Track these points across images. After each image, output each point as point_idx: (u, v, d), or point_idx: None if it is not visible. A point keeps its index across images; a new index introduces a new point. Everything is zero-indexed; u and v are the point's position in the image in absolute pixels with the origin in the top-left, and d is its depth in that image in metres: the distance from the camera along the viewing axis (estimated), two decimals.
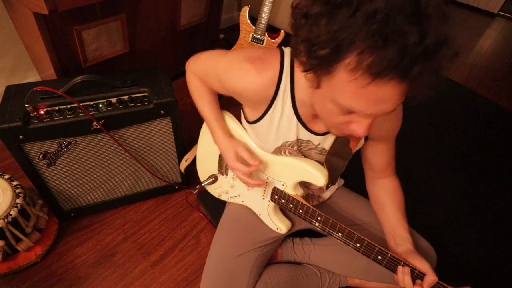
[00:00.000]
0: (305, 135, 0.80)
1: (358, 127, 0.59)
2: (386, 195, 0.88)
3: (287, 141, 0.82)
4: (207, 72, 0.85)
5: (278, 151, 0.85)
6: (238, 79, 0.74)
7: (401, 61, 0.45)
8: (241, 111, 0.89)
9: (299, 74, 0.71)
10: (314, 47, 0.51)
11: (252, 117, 0.83)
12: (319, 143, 0.82)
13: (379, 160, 0.88)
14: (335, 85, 0.53)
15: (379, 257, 0.76)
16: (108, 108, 1.05)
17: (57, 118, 1.00)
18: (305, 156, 0.86)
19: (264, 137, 0.84)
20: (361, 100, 0.52)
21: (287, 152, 0.85)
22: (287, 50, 0.73)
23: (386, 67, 0.46)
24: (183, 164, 1.28)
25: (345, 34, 0.47)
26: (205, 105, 0.92)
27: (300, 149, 0.84)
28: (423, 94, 0.51)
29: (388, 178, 0.90)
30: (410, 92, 0.52)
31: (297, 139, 0.81)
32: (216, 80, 0.82)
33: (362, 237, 0.77)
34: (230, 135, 0.91)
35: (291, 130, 0.79)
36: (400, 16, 0.44)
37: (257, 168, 0.85)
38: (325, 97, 0.58)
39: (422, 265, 0.72)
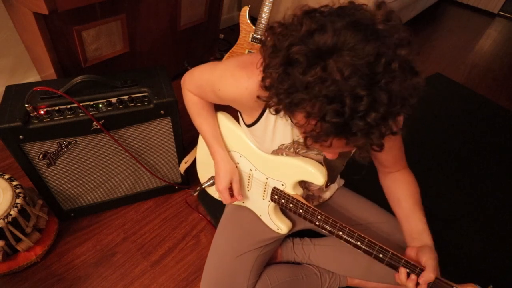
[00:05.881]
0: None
1: (326, 153, 0.64)
2: (399, 188, 0.87)
3: (284, 144, 0.82)
4: (202, 84, 0.85)
5: (275, 153, 0.85)
6: (232, 86, 0.74)
7: (342, 131, 0.49)
8: (239, 114, 0.90)
9: None
10: (272, 99, 0.56)
11: (248, 121, 0.83)
12: None
13: (386, 157, 0.87)
14: (296, 122, 0.58)
15: (380, 255, 0.76)
16: (108, 108, 1.05)
17: (57, 118, 1.00)
18: (303, 157, 0.86)
19: (261, 140, 0.84)
20: (315, 144, 0.56)
21: (284, 154, 0.85)
22: None
23: (328, 135, 0.51)
24: (183, 166, 1.28)
25: (295, 94, 0.50)
26: (202, 122, 0.93)
27: (297, 151, 0.84)
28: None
29: (401, 172, 0.89)
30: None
31: (293, 141, 0.81)
32: (211, 91, 0.82)
33: (362, 235, 0.76)
34: (230, 157, 0.94)
35: (287, 132, 0.79)
36: (353, 81, 0.46)
37: (236, 200, 0.95)
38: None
39: (427, 260, 0.70)
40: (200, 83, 0.86)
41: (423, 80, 0.50)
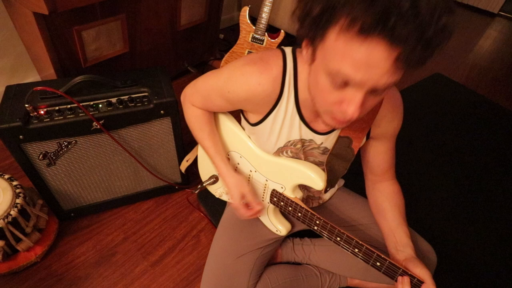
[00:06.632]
0: (307, 134, 0.80)
1: (349, 104, 0.56)
2: (386, 200, 0.87)
3: (290, 141, 0.81)
4: (208, 92, 0.83)
5: (280, 151, 0.85)
6: (243, 84, 0.72)
7: (389, 20, 0.44)
8: (241, 114, 0.89)
9: (302, 71, 0.71)
10: (307, 5, 0.52)
11: (254, 119, 0.82)
12: (322, 143, 0.82)
13: (379, 161, 0.88)
14: (327, 49, 0.53)
15: (378, 264, 0.75)
16: (108, 108, 1.05)
17: (57, 118, 1.00)
18: (308, 156, 0.86)
19: (266, 138, 0.83)
20: (349, 62, 0.50)
21: (289, 152, 0.85)
22: (287, 49, 0.73)
23: (372, 25, 0.45)
24: (184, 165, 1.28)
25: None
26: (205, 138, 0.90)
27: (303, 148, 0.84)
28: (413, 66, 0.50)
29: (389, 182, 0.90)
30: (400, 61, 0.49)
31: (300, 139, 0.81)
32: (219, 96, 0.80)
33: (360, 242, 0.76)
34: (234, 170, 0.91)
35: (294, 129, 0.78)
36: None
37: (258, 213, 0.90)
38: (318, 71, 0.57)
39: (422, 272, 0.70)
40: (206, 91, 0.83)
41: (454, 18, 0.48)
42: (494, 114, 2.14)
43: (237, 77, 0.73)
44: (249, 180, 0.95)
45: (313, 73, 0.60)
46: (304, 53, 0.60)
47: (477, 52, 2.83)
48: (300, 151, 0.84)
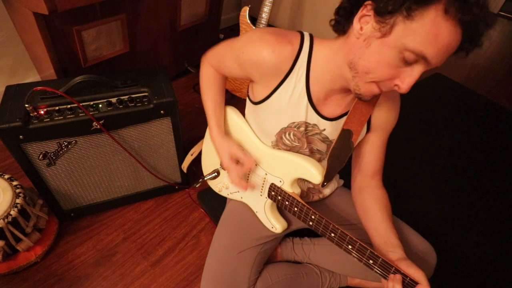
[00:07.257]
0: (313, 117, 0.80)
1: (408, 79, 0.60)
2: (374, 202, 0.87)
3: (294, 122, 0.81)
4: (224, 53, 0.87)
5: (283, 132, 0.85)
6: (258, 48, 0.74)
7: (470, 8, 0.52)
8: (247, 98, 0.89)
9: (318, 50, 0.74)
10: None
11: (262, 94, 0.82)
12: (324, 129, 0.83)
13: (371, 157, 0.88)
14: (414, 28, 0.55)
15: (371, 261, 0.75)
16: (108, 108, 1.05)
17: (57, 118, 1.00)
18: (310, 142, 0.87)
19: (270, 117, 0.83)
20: (436, 47, 0.55)
21: (292, 135, 0.84)
22: (305, 32, 0.76)
23: (460, 12, 0.52)
24: (189, 158, 1.27)
25: None
26: (210, 97, 0.94)
27: (306, 132, 0.84)
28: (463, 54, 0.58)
29: (376, 187, 0.90)
30: (457, 48, 0.57)
31: (305, 121, 0.81)
32: (233, 56, 0.82)
33: (354, 238, 0.76)
34: (225, 133, 0.94)
35: (301, 109, 0.79)
36: None
37: (251, 168, 0.89)
38: (388, 45, 0.58)
39: (417, 273, 0.69)
40: (223, 52, 0.88)
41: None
42: (494, 114, 2.14)
43: (255, 40, 0.76)
44: (249, 174, 0.96)
45: (376, 47, 0.60)
46: (361, 24, 0.61)
47: (477, 52, 2.82)
48: (303, 135, 0.84)
